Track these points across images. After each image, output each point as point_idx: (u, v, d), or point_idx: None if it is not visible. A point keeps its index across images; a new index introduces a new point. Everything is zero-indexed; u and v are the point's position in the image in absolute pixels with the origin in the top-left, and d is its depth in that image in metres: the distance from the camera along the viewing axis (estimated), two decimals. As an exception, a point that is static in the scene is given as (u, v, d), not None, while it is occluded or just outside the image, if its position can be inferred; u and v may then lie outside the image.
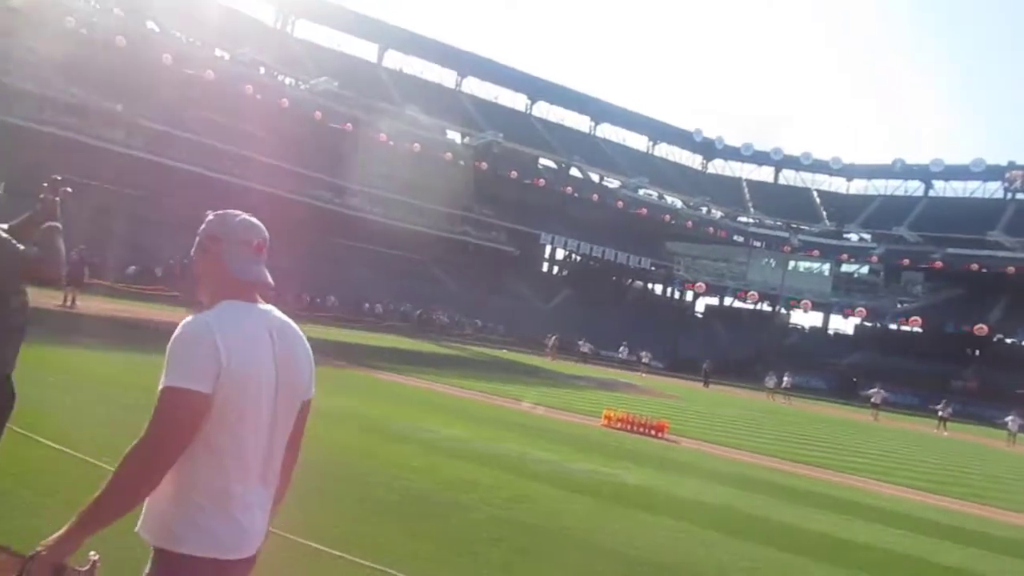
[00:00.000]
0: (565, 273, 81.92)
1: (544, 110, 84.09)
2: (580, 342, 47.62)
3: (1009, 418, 34.32)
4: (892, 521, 9.40)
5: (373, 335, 35.07)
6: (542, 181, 73.54)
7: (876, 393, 37.53)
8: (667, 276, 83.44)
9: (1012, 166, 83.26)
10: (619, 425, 14.48)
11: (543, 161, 77.39)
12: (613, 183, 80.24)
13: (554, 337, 45.60)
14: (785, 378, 42.60)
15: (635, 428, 14.39)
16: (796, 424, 25.12)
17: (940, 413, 36.24)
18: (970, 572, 7.39)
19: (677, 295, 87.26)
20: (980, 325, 71.98)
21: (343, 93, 62.59)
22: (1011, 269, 73.58)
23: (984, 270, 74.47)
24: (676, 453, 12.73)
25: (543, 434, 12.20)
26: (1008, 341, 73.04)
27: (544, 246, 76.69)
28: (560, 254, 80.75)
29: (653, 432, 14.27)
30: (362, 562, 4.58)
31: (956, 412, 39.58)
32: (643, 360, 45.79)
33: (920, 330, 76.14)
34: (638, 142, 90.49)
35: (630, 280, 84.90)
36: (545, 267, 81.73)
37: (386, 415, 11.45)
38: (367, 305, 50.20)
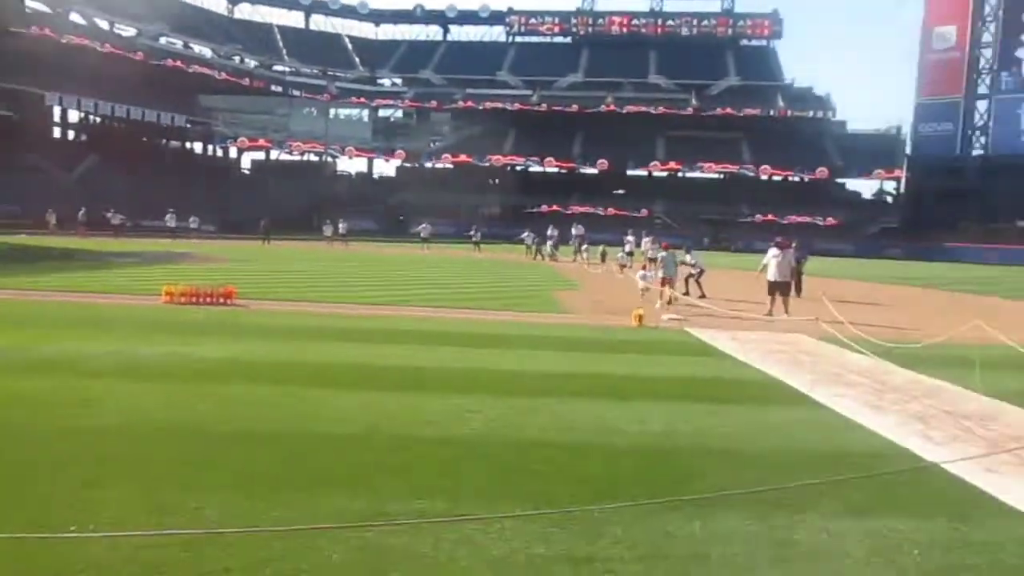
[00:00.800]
0: (84, 138, 71.63)
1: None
2: (108, 214, 42.53)
3: (524, 234, 40.60)
4: (441, 340, 10.62)
5: None
6: (36, 30, 61.49)
7: (424, 228, 41.00)
8: (206, 133, 78.23)
9: (511, 11, 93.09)
10: (183, 300, 13.58)
11: (32, 4, 64.49)
12: (128, 31, 70.70)
13: (81, 211, 40.27)
14: (341, 225, 43.92)
15: (201, 300, 13.66)
16: (359, 267, 26.39)
17: (473, 238, 41.19)
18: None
19: (220, 153, 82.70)
20: (499, 156, 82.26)
21: None
22: (516, 106, 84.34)
23: (497, 107, 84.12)
24: (248, 317, 12.47)
25: (100, 324, 10.90)
26: (518, 168, 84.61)
27: (52, 108, 65.64)
28: (75, 116, 69.90)
29: (221, 300, 13.72)
30: None
31: (485, 235, 45.16)
32: (192, 226, 43.12)
33: (451, 166, 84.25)
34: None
35: (165, 140, 77.66)
36: (58, 132, 70.28)
37: None
38: None
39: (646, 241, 28.04)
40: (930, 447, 6.19)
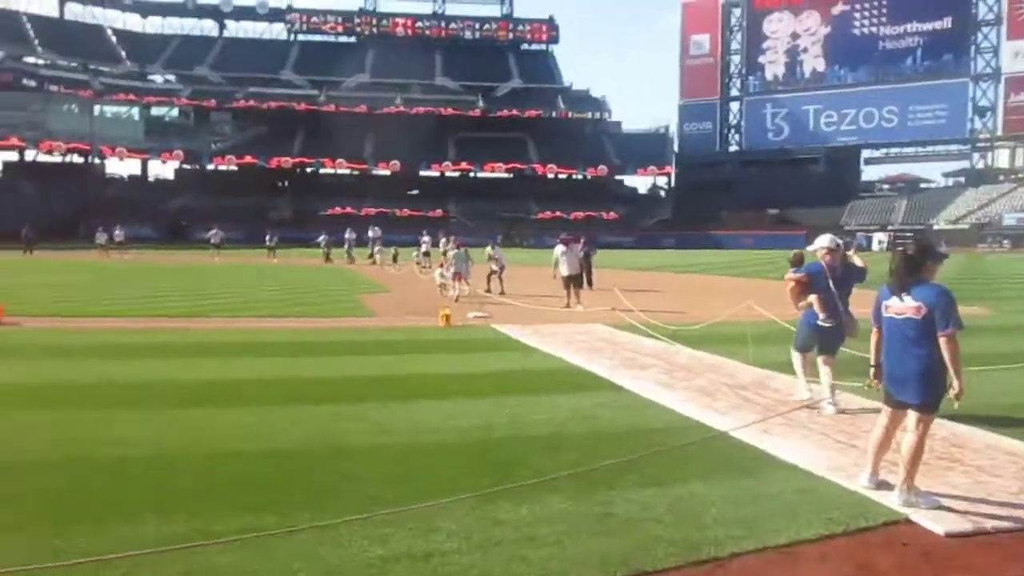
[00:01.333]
0: None
1: None
2: None
3: (321, 238, 39.69)
4: (242, 351, 10.26)
5: None
6: None
7: (215, 234, 38.73)
8: (-58, 133, 68.78)
9: (291, 8, 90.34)
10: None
11: None
12: None
13: None
14: (117, 232, 40.43)
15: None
16: (143, 278, 24.49)
17: (268, 243, 39.59)
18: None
19: (-39, 155, 73.05)
20: (288, 158, 79.48)
21: None
22: (302, 105, 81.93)
23: (282, 107, 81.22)
24: (21, 337, 11.24)
25: None
26: (308, 171, 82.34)
27: None
28: None
29: (-20, 322, 12.27)
30: None
31: (280, 239, 43.54)
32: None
33: (235, 168, 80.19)
34: None
35: None
36: None
37: None
38: None
39: (443, 241, 28.43)
40: (716, 417, 6.92)
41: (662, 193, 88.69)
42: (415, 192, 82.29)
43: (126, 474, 5.21)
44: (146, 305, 16.08)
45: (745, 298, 12.31)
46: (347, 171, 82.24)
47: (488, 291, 19.39)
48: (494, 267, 20.26)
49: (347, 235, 38.24)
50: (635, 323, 12.51)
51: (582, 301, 16.69)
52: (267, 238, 39.75)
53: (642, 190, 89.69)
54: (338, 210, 73.98)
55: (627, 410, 7.31)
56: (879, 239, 65.21)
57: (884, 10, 76.15)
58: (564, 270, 16.76)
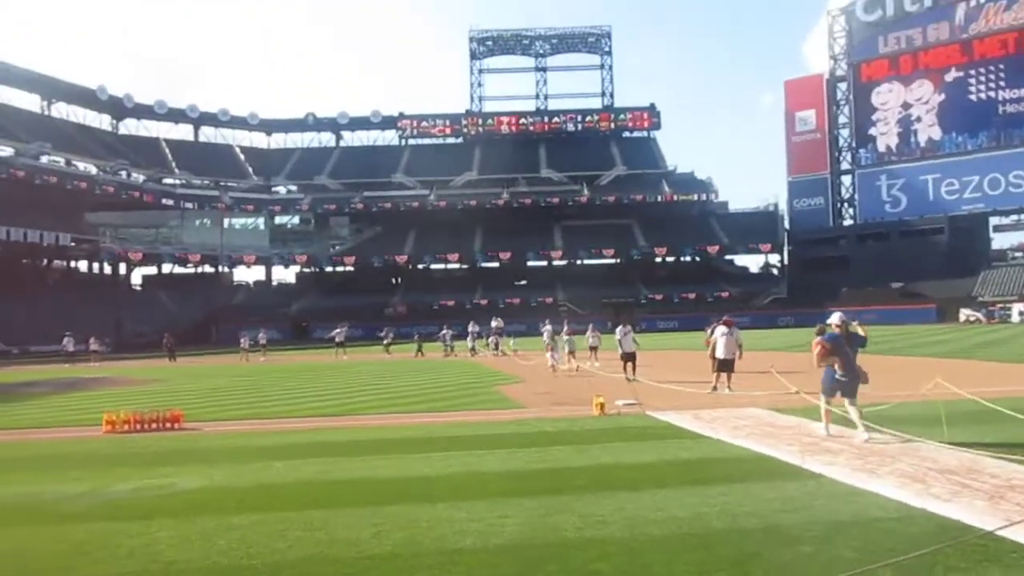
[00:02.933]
0: (-43, 264, 67.44)
1: None
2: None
3: (442, 331, 40.63)
4: (449, 445, 10.46)
5: None
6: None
7: (339, 332, 40.18)
8: (93, 251, 75.12)
9: (402, 116, 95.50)
10: (126, 428, 12.82)
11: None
12: (6, 151, 67.97)
13: None
14: (260, 335, 42.60)
15: (146, 426, 12.93)
16: (289, 378, 25.56)
17: (384, 340, 40.83)
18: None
19: (108, 270, 79.34)
20: (402, 256, 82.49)
21: None
22: (415, 204, 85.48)
23: (395, 208, 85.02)
24: (208, 441, 11.87)
25: (51, 462, 10.12)
26: (420, 267, 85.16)
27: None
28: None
29: (169, 425, 13.03)
30: None
31: (396, 335, 44.71)
32: (93, 348, 40.85)
33: (352, 268, 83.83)
34: (29, 102, 78.13)
35: (48, 261, 74.01)
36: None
37: None
38: None
39: (564, 329, 28.48)
40: (940, 504, 6.53)
41: (774, 271, 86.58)
42: (523, 282, 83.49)
43: (383, 570, 5.34)
44: (308, 405, 16.72)
45: (909, 375, 11.72)
46: (456, 265, 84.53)
47: (630, 378, 19.32)
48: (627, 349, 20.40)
49: (471, 327, 39.19)
50: (794, 407, 12.05)
51: (731, 386, 16.32)
52: (383, 333, 41.02)
53: (753, 269, 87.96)
54: (450, 303, 75.93)
55: (838, 498, 7.00)
56: (1020, 310, 61.14)
57: (1001, 74, 73.54)
58: (720, 352, 16.54)
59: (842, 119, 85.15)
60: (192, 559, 5.75)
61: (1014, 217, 75.13)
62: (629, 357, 20.31)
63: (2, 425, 14.52)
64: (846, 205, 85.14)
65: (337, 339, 40.15)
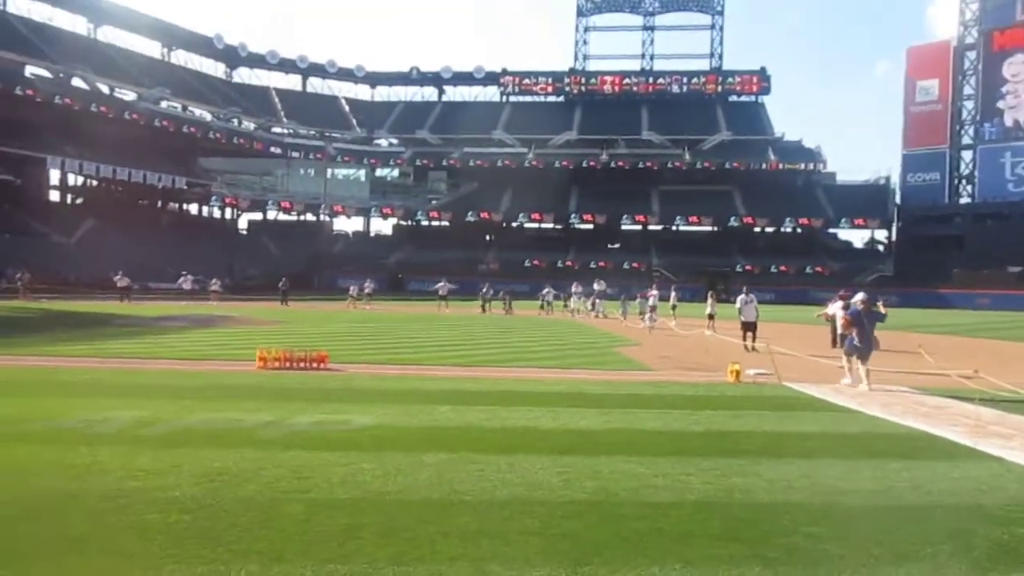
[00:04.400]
0: (80, 201, 71.60)
1: (24, 6, 70.21)
2: (116, 276, 41.62)
3: (544, 290, 40.92)
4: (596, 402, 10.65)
5: None
6: (36, 94, 61.77)
7: (442, 286, 40.93)
8: (204, 195, 78.49)
9: (505, 72, 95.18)
10: (276, 365, 13.51)
11: (33, 70, 65.00)
12: (129, 95, 71.32)
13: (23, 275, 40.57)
14: (367, 284, 43.83)
15: (295, 365, 13.58)
16: (407, 327, 26.30)
17: (483, 296, 41.28)
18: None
19: (218, 214, 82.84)
20: (496, 213, 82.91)
21: None
22: (511, 163, 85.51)
23: (492, 164, 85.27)
24: (361, 382, 12.38)
25: (215, 393, 10.80)
26: (514, 225, 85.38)
27: (51, 171, 65.74)
28: (75, 180, 69.93)
29: (315, 365, 13.65)
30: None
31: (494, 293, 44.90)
32: (213, 288, 42.95)
33: (448, 223, 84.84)
34: (151, 48, 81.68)
35: (163, 202, 77.80)
36: (56, 196, 70.24)
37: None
38: None
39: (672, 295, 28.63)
40: None
41: (880, 247, 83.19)
42: (616, 245, 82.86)
43: (593, 516, 5.52)
44: (436, 355, 17.20)
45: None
46: (550, 225, 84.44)
47: (749, 346, 19.13)
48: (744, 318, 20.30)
49: (574, 288, 39.51)
50: (941, 388, 11.68)
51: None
52: (483, 291, 41.52)
53: (857, 244, 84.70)
54: (541, 263, 76.19)
55: (1035, 483, 6.81)
56: None
57: None
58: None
59: (967, 90, 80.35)
60: (402, 490, 6.06)
61: None
62: (750, 326, 20.05)
63: (164, 355, 15.52)
64: (964, 182, 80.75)
65: (441, 292, 40.90)
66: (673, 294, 33.90)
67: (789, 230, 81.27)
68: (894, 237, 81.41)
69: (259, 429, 8.24)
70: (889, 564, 4.71)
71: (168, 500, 5.61)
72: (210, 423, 8.53)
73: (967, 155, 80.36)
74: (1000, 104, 76.66)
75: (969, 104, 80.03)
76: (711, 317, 25.97)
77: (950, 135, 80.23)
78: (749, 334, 19.86)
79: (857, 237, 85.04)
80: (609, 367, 15.52)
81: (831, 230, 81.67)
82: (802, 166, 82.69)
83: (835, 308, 17.37)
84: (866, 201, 79.38)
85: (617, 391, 12.00)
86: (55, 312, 29.83)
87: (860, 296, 13.48)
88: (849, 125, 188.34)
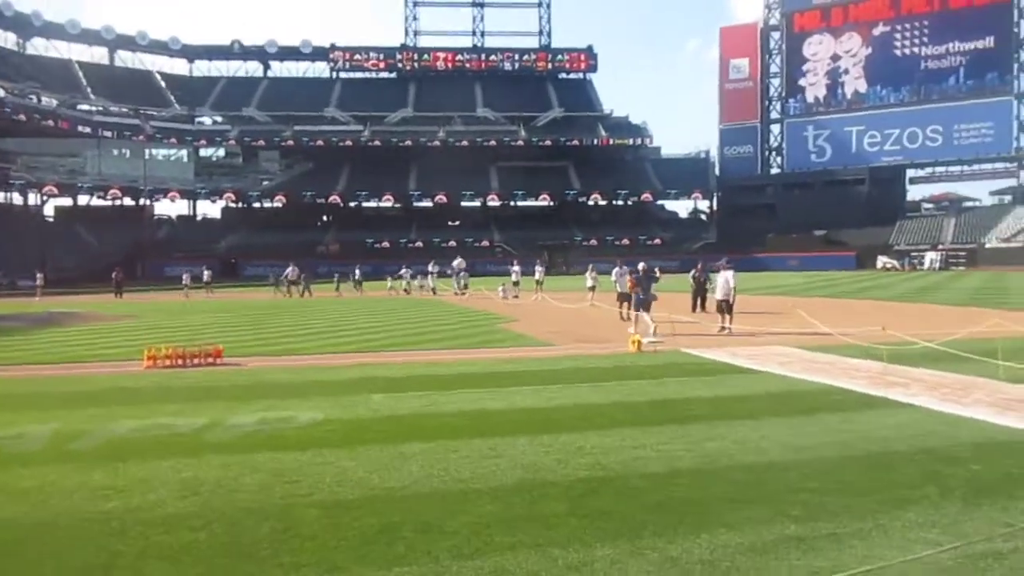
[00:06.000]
0: None
1: None
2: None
3: (402, 270, 40.52)
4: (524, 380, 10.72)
5: None
6: None
7: (293, 271, 39.45)
8: (2, 179, 70.66)
9: (335, 47, 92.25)
10: (168, 363, 12.52)
11: None
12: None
13: None
14: (205, 273, 41.41)
15: (188, 362, 12.66)
16: (269, 317, 25.10)
17: (354, 277, 40.51)
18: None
19: (19, 200, 74.82)
20: (334, 194, 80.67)
21: None
22: (348, 142, 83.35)
23: (327, 143, 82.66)
24: (272, 375, 11.72)
25: (118, 397, 9.85)
26: (352, 205, 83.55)
27: None
28: None
29: (211, 360, 12.79)
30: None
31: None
32: (38, 283, 38.97)
33: (282, 205, 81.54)
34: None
35: (-48, 190, 69.25)
36: None
37: None
38: None
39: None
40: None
41: (703, 217, 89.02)
42: (457, 223, 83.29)
43: (613, 490, 5.62)
44: (326, 342, 16.62)
45: (884, 318, 12.58)
46: (390, 204, 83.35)
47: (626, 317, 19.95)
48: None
49: (430, 267, 39.36)
50: (812, 345, 12.80)
51: (729, 324, 17.18)
52: (356, 272, 40.69)
53: (683, 215, 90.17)
54: (386, 244, 75.28)
55: (954, 424, 7.61)
56: (931, 258, 65.08)
57: (925, 31, 76.72)
58: (719, 294, 17.41)
59: (774, 68, 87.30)
60: (406, 485, 5.84)
61: (929, 170, 79.29)
62: (624, 297, 20.88)
63: (37, 360, 13.93)
64: (774, 154, 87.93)
65: (290, 277, 39.45)
66: (539, 268, 34.41)
67: (621, 203, 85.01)
68: (715, 207, 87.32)
69: (203, 432, 7.65)
70: (896, 509, 5.13)
71: (164, 518, 5.12)
72: (142, 431, 7.81)
73: (775, 129, 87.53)
74: (802, 82, 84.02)
75: (776, 81, 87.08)
76: (592, 289, 26.78)
77: (760, 111, 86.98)
78: (625, 304, 20.68)
79: (682, 208, 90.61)
80: (510, 344, 15.67)
81: (659, 202, 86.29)
82: (630, 141, 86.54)
83: (616, 273, 21.13)
84: (690, 173, 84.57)
85: (534, 367, 12.16)
86: None
87: (641, 265, 17.24)
88: (671, 102, 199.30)
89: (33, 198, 75.32)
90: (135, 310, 28.91)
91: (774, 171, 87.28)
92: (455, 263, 38.31)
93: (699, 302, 22.35)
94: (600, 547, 4.54)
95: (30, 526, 5.04)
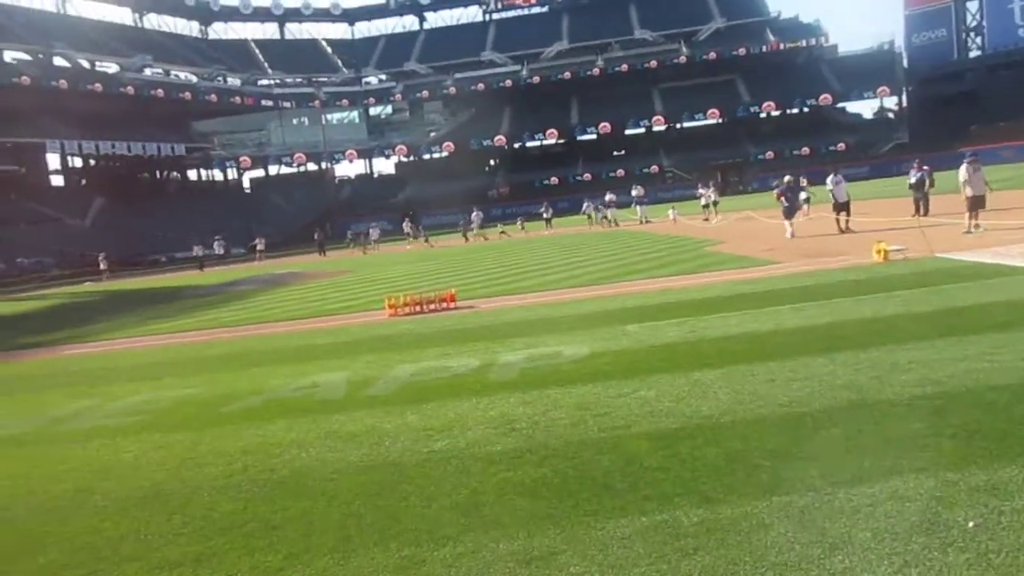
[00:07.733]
0: (84, 182, 70.14)
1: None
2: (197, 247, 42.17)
3: (584, 204, 40.23)
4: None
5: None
6: (26, 79, 59.72)
7: (477, 216, 40.28)
8: (205, 158, 77.09)
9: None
10: (407, 311, 13.04)
11: (13, 55, 62.75)
12: (111, 67, 69.00)
13: (101, 255, 40.43)
14: (372, 228, 43.86)
15: (425, 308, 13.12)
16: (489, 258, 25.76)
17: (544, 215, 40.64)
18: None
19: (220, 176, 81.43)
20: (499, 137, 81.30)
21: None
22: (507, 83, 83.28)
23: (488, 87, 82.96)
24: (513, 314, 11.88)
25: (388, 344, 10.33)
26: (517, 146, 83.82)
27: (50, 156, 64.28)
28: (76, 161, 68.38)
29: (447, 305, 13.19)
30: None
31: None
32: (258, 247, 42.58)
33: (449, 153, 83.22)
34: (122, 15, 78.54)
35: (165, 172, 76.32)
36: (60, 180, 68.84)
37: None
38: None
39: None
40: None
41: (891, 115, 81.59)
42: (623, 152, 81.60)
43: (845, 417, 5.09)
44: (544, 280, 16.73)
45: None
46: (554, 141, 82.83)
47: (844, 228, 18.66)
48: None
49: (608, 198, 38.73)
50: None
51: (981, 223, 15.50)
52: (543, 210, 40.97)
53: (867, 116, 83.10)
54: (555, 180, 75.21)
55: None
56: None
57: None
58: (970, 191, 15.71)
59: (968, -66, 77.34)
60: (723, 411, 5.57)
61: None
62: (843, 207, 19.51)
63: (294, 316, 15.03)
64: (972, 35, 78.52)
65: (475, 223, 40.26)
66: (711, 191, 33.13)
67: (796, 111, 79.65)
68: (905, 103, 79.69)
69: (482, 372, 7.79)
70: None
71: (499, 455, 5.17)
72: (423, 374, 8.10)
73: (972, 6, 77.89)
74: (1004, -53, 73.97)
75: (971, -49, 77.30)
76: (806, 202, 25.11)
77: (953, -13, 77.70)
78: (843, 214, 19.31)
79: (867, 108, 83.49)
80: (733, 266, 14.94)
81: (840, 105, 79.94)
82: (803, 43, 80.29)
83: (832, 181, 20.16)
84: (873, 69, 77.22)
85: (777, 286, 11.51)
86: (124, 292, 29.32)
87: (786, 178, 19.66)
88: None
89: (231, 173, 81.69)
90: (344, 266, 30.64)
91: (973, 54, 78.02)
92: (634, 192, 37.51)
93: (922, 206, 20.39)
94: (1006, 467, 4.06)
95: (382, 467, 5.25)
